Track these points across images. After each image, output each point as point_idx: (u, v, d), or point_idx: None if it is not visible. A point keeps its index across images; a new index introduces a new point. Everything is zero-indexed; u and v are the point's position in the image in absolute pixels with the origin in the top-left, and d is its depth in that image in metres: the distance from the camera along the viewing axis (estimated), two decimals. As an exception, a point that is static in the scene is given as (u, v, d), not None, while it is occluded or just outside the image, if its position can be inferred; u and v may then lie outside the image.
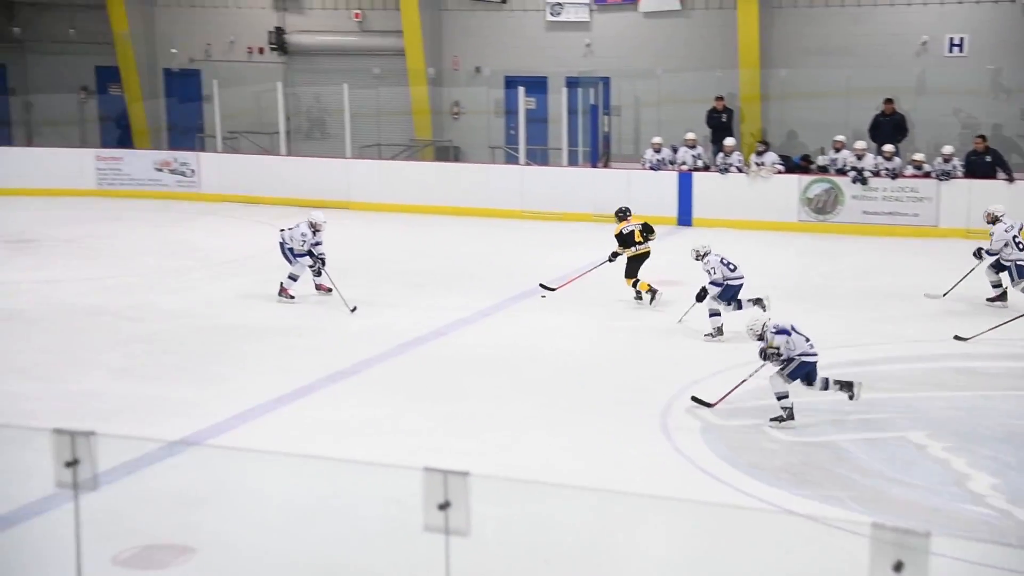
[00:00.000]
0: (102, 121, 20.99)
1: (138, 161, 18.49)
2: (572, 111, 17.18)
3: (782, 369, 7.45)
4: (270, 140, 19.49)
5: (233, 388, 8.25)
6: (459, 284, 11.80)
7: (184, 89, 20.74)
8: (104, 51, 20.72)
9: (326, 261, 10.90)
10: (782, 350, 7.40)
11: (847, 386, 7.60)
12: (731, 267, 9.65)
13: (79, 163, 18.39)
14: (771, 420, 7.43)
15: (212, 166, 18.25)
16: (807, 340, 7.50)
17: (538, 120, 18.13)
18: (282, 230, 11.00)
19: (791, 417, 7.42)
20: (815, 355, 7.50)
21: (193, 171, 18.27)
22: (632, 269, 10.79)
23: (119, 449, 5.40)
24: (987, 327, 9.45)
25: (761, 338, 7.45)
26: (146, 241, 14.57)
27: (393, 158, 18.62)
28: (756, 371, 7.63)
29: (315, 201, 16.50)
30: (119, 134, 20.58)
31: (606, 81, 17.94)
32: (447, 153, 19.14)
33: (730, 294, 9.63)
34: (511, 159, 17.74)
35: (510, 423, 7.52)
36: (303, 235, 10.86)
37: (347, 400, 8.00)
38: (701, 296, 9.61)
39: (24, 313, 10.52)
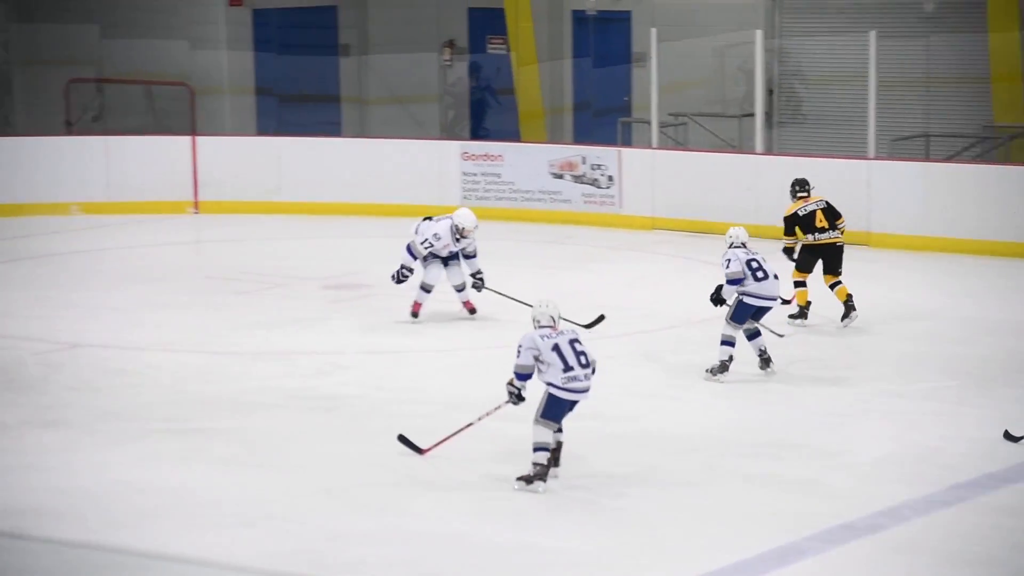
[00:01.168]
0: (472, 97, 22.26)
1: (526, 162, 19.34)
2: None
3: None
4: (737, 126, 19.59)
5: (652, 536, 8.28)
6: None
7: (603, 44, 21.51)
8: (483, -15, 21.97)
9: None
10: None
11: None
12: (759, 274, 11.65)
13: (437, 164, 19.56)
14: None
15: (641, 170, 18.71)
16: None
17: None
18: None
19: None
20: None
21: (611, 179, 18.79)
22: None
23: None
24: None
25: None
26: (530, 291, 14.99)
27: (951, 159, 18.08)
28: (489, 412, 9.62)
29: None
30: (497, 118, 21.71)
31: None
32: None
33: (744, 312, 11.69)
34: None
35: None
36: (435, 239, 13.32)
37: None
38: (716, 299, 11.88)
39: (349, 400, 11.25)
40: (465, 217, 13.47)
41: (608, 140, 20.06)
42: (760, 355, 11.71)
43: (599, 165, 18.90)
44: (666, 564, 8.08)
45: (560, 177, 19.07)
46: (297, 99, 21.84)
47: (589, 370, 9.17)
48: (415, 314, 13.74)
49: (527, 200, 19.20)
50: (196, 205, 19.04)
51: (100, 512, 8.78)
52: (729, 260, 11.72)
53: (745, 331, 11.78)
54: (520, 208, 19.18)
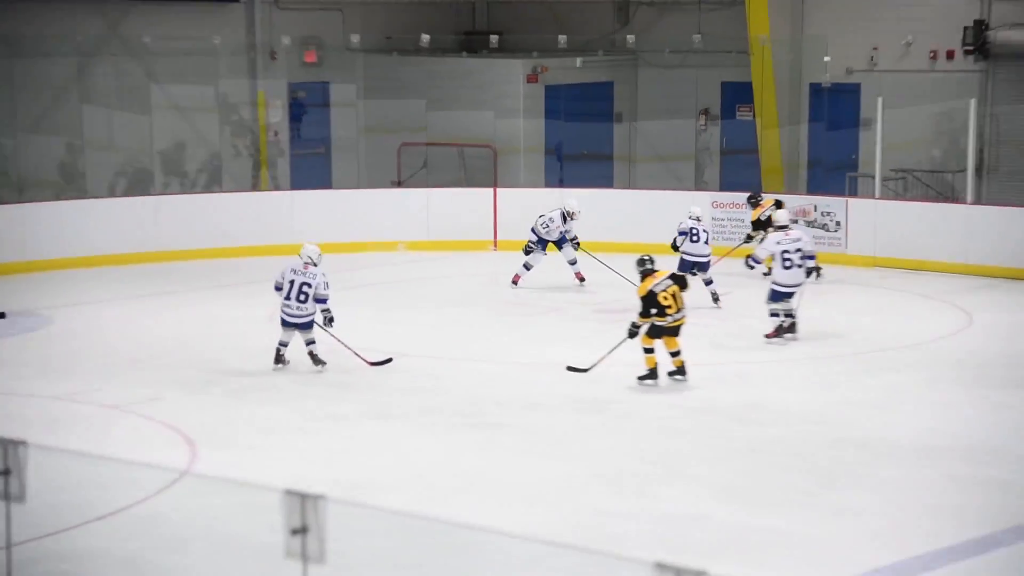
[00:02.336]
0: (723, 155, 22.33)
1: (767, 209, 19.31)
2: None
3: None
4: (952, 181, 19.16)
5: (865, 526, 8.32)
6: None
7: (835, 111, 21.31)
8: (734, 62, 21.90)
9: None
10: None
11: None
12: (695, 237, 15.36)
13: (689, 211, 19.62)
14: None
15: (865, 217, 18.47)
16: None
17: None
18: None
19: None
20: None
21: (839, 224, 18.62)
22: None
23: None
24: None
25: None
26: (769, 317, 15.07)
27: None
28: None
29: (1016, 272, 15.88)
30: (743, 174, 21.71)
31: None
32: None
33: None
34: None
35: None
36: (549, 221, 16.17)
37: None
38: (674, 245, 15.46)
39: (612, 404, 11.49)
40: (573, 203, 16.39)
41: (837, 191, 19.86)
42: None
43: (828, 212, 18.74)
44: (875, 550, 8.08)
45: (795, 222, 18.91)
46: (578, 158, 22.21)
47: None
48: (515, 283, 16.41)
49: (767, 241, 19.14)
50: (495, 244, 19.57)
51: (419, 487, 9.23)
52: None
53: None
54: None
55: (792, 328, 13.56)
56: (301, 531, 4.58)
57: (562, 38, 20.76)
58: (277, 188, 20.80)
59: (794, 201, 19.15)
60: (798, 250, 13.60)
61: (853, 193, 19.90)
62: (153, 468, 9.01)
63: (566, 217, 16.36)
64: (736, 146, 22.15)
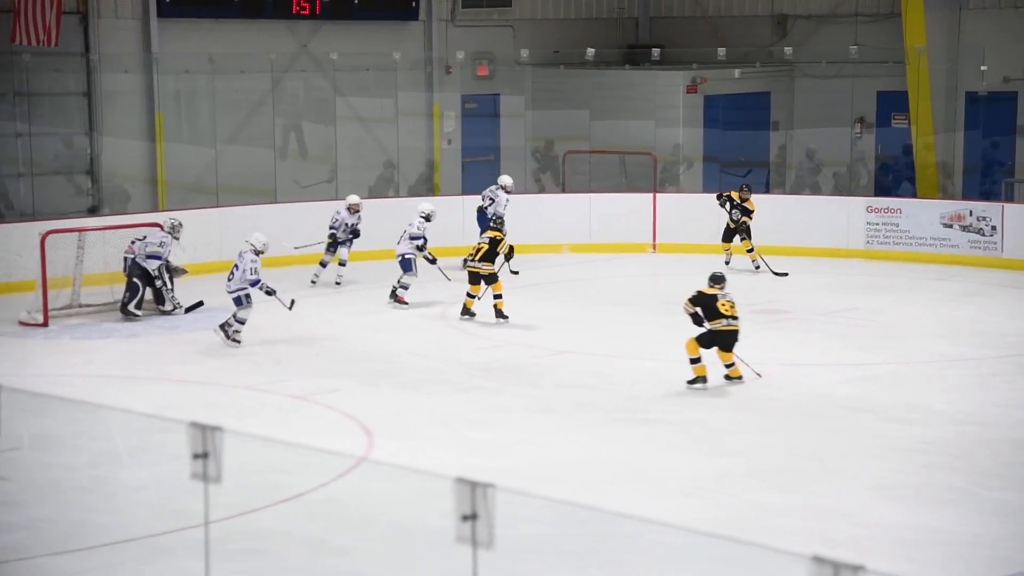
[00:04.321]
0: (877, 162, 21.81)
1: (921, 214, 18.78)
2: None
3: None
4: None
5: (1020, 526, 7.99)
6: None
7: (992, 118, 20.63)
8: (889, 72, 21.49)
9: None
10: None
11: None
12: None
13: (845, 215, 19.29)
14: None
15: (1021, 221, 17.88)
16: None
17: None
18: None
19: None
20: None
21: (994, 228, 18.01)
22: None
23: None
24: None
25: None
26: (924, 319, 14.71)
27: None
28: None
29: None
30: (898, 179, 21.19)
31: None
32: None
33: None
34: None
35: None
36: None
37: None
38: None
39: (768, 401, 11.27)
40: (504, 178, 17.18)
41: (993, 196, 19.24)
42: None
43: (984, 217, 18.13)
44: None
45: (950, 227, 18.39)
46: (734, 165, 21.97)
47: None
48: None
49: (920, 245, 18.64)
50: (655, 246, 19.43)
51: (581, 478, 9.22)
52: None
53: None
54: (914, 251, 18.64)
55: None
56: (471, 517, 4.59)
57: (721, 51, 20.62)
58: (449, 193, 21.04)
59: (950, 207, 18.65)
60: None
61: (1009, 198, 19.30)
62: (333, 454, 9.17)
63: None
64: (891, 152, 21.66)
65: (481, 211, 17.74)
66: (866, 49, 21.31)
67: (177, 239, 14.96)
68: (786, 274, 14.37)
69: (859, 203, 19.37)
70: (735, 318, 11.52)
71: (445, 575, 5.33)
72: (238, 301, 13.27)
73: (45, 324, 14.14)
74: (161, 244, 14.68)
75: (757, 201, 18.02)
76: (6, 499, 7.27)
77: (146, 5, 18.60)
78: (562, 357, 12.71)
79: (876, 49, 21.40)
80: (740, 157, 22.10)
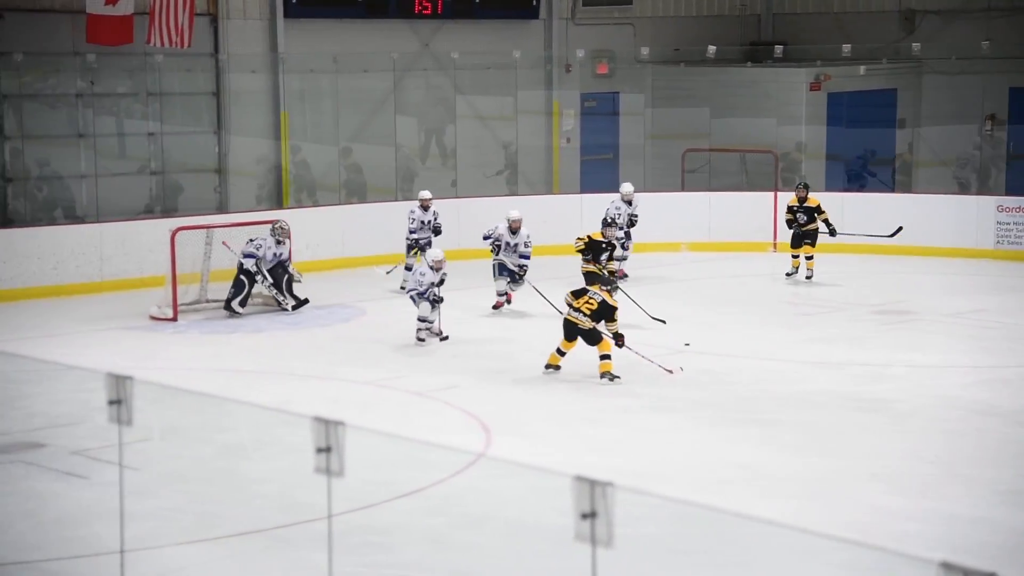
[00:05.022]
0: (1009, 160, 21.22)
1: (1050, 214, 18.27)
2: None
3: None
4: None
5: None
6: None
7: None
8: (1021, 68, 20.93)
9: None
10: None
11: None
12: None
13: (975, 215, 18.81)
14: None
15: None
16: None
17: None
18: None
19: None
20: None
21: None
22: None
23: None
24: None
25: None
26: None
27: None
28: None
29: None
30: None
31: None
32: None
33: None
34: None
35: None
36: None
37: None
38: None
39: (893, 404, 11.05)
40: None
41: None
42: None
43: (1120, 214, 17.59)
44: None
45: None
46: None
47: None
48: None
49: (1053, 245, 18.17)
50: (775, 246, 19.15)
51: (699, 478, 9.14)
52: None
53: None
54: (1047, 250, 18.20)
55: None
56: (590, 515, 4.58)
57: (846, 47, 20.28)
58: (568, 191, 21.03)
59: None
60: None
61: None
62: (452, 450, 9.23)
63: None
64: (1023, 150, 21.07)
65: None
66: (997, 44, 20.84)
67: (280, 241, 14.86)
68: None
69: (989, 202, 18.92)
70: (582, 312, 11.60)
71: (564, 573, 5.32)
72: (414, 301, 13.39)
73: (174, 319, 14.49)
74: (258, 245, 14.81)
75: (881, 200, 17.63)
76: (136, 489, 7.45)
77: (273, 6, 18.96)
78: (680, 356, 12.61)
79: (1009, 44, 20.95)
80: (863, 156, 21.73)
